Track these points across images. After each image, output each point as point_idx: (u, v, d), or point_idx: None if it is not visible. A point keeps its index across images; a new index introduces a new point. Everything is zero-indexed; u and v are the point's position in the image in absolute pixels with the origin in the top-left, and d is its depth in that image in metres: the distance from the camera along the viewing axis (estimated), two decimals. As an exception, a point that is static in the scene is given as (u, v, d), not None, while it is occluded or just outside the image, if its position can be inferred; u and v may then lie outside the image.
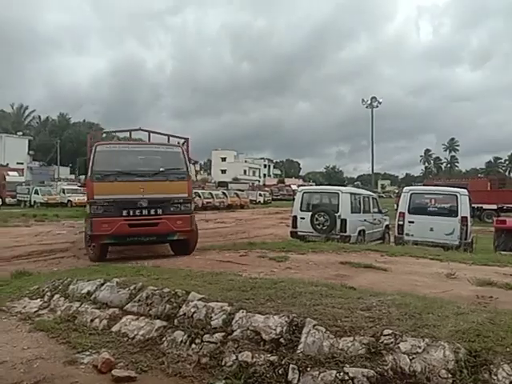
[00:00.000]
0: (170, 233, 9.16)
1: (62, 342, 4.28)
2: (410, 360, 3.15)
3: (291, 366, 3.38)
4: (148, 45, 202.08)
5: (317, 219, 11.53)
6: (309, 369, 3.30)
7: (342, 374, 3.15)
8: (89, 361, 3.86)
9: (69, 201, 33.93)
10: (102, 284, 5.42)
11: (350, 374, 3.13)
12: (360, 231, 12.00)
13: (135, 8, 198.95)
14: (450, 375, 2.99)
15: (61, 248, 11.94)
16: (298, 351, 3.50)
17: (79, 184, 40.63)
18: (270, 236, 15.72)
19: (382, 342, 3.33)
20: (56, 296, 5.62)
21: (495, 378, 2.88)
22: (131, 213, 8.82)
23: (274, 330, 3.76)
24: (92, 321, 4.79)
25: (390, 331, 3.39)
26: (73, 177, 60.55)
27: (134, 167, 9.23)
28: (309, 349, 3.47)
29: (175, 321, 4.32)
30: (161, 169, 9.28)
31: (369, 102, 41.35)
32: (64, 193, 35.57)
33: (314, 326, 3.64)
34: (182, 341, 4.04)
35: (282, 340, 3.68)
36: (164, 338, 4.17)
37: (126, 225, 8.72)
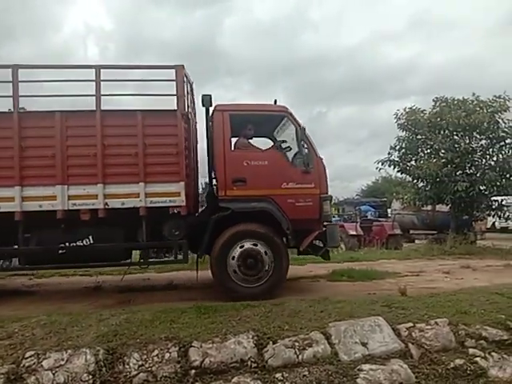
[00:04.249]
0: None
1: None
2: (54, 374, 3.27)
3: None
4: None
5: None
6: None
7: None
8: None
9: None
10: None
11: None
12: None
13: None
14: (90, 376, 3.30)
15: None
16: None
17: None
18: None
19: (24, 366, 3.30)
20: None
21: (128, 366, 3.40)
22: None
23: None
24: None
25: (33, 352, 3.40)
26: None
27: None
28: None
29: None
30: None
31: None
32: None
33: None
34: None
35: None
36: None
37: None
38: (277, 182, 5.58)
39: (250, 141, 6.08)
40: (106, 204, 5.38)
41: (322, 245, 5.65)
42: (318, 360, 3.60)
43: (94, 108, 5.48)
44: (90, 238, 5.48)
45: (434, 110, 12.28)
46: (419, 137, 12.33)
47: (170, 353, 3.52)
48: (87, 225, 5.45)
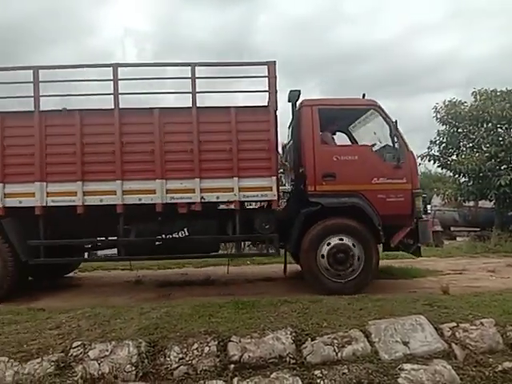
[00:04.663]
0: None
1: None
2: (99, 364, 3.39)
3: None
4: None
5: None
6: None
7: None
8: None
9: None
10: None
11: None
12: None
13: None
14: (133, 368, 3.40)
15: None
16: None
17: None
18: None
19: (72, 355, 3.44)
20: None
21: (168, 359, 3.48)
22: None
23: None
24: None
25: (79, 342, 3.54)
26: None
27: None
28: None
29: None
30: None
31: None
32: None
33: (-6, 358, 3.35)
34: None
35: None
36: None
37: None
38: (367, 177, 5.54)
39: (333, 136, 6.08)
40: (202, 198, 5.51)
41: (412, 242, 5.62)
42: (358, 358, 3.54)
43: (188, 105, 5.59)
44: (185, 230, 5.61)
45: (476, 103, 11.80)
46: (460, 130, 11.90)
47: (210, 347, 3.56)
48: (183, 218, 5.60)
